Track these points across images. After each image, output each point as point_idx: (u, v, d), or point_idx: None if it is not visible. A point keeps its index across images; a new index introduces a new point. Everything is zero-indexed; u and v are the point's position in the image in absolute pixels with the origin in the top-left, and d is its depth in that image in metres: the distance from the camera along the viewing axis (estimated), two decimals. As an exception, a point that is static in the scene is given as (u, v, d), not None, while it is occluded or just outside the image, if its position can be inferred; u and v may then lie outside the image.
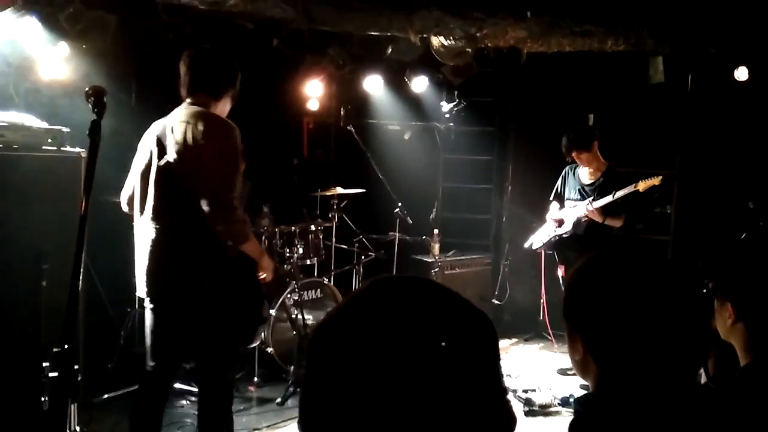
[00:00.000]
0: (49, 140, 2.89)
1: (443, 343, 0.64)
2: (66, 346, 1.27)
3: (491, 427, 0.66)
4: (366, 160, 5.01)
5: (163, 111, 2.67)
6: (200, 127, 2.47)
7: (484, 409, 0.65)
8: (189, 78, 2.64)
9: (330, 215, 4.90)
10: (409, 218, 5.12)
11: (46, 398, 1.27)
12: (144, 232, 2.62)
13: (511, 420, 0.68)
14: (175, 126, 2.53)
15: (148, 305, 2.73)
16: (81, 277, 1.48)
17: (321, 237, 4.65)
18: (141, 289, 2.67)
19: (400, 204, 5.09)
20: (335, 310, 0.73)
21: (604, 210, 4.22)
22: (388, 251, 5.21)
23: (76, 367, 1.27)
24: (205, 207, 2.42)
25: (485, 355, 0.67)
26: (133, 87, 5.00)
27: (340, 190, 4.83)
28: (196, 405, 2.94)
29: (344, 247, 5.14)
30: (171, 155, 2.51)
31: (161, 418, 2.79)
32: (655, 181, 4.00)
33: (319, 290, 4.63)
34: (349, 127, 4.90)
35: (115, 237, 4.32)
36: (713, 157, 5.52)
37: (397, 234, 5.17)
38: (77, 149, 2.93)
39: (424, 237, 5.31)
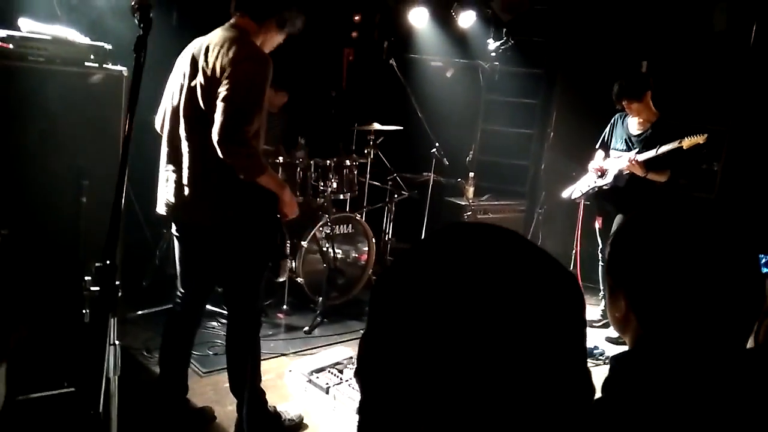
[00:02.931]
0: (92, 56, 2.86)
1: (532, 302, 0.56)
2: (108, 262, 1.28)
3: (573, 397, 0.59)
4: (406, 96, 4.89)
5: (206, 32, 2.60)
6: (231, 53, 2.37)
7: (567, 378, 0.58)
8: None
9: (366, 151, 4.85)
10: (445, 159, 5.03)
11: (87, 311, 1.29)
12: (171, 154, 2.57)
13: (592, 391, 0.62)
14: (210, 48, 2.45)
15: (174, 233, 2.72)
16: (124, 196, 1.47)
17: (355, 173, 4.61)
18: (162, 209, 2.64)
19: (437, 144, 4.99)
20: (405, 254, 0.63)
21: (647, 164, 4.07)
22: (421, 191, 5.17)
23: (117, 282, 1.28)
24: (215, 136, 2.33)
25: (573, 319, 0.60)
26: (174, 6, 4.92)
27: (377, 126, 4.76)
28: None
29: (377, 184, 5.11)
30: (200, 78, 2.43)
31: (192, 341, 2.84)
32: (700, 139, 3.81)
33: (350, 225, 4.64)
34: (391, 61, 4.77)
35: (154, 158, 4.36)
36: (769, 115, 5.25)
37: (432, 174, 5.10)
38: (120, 67, 2.89)
39: (458, 179, 5.23)
